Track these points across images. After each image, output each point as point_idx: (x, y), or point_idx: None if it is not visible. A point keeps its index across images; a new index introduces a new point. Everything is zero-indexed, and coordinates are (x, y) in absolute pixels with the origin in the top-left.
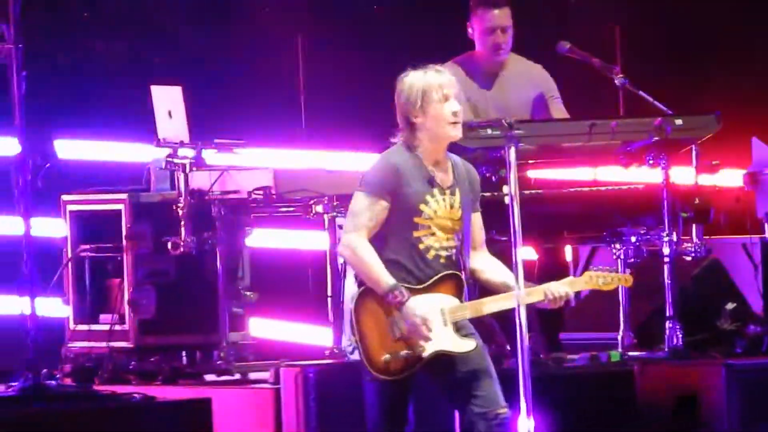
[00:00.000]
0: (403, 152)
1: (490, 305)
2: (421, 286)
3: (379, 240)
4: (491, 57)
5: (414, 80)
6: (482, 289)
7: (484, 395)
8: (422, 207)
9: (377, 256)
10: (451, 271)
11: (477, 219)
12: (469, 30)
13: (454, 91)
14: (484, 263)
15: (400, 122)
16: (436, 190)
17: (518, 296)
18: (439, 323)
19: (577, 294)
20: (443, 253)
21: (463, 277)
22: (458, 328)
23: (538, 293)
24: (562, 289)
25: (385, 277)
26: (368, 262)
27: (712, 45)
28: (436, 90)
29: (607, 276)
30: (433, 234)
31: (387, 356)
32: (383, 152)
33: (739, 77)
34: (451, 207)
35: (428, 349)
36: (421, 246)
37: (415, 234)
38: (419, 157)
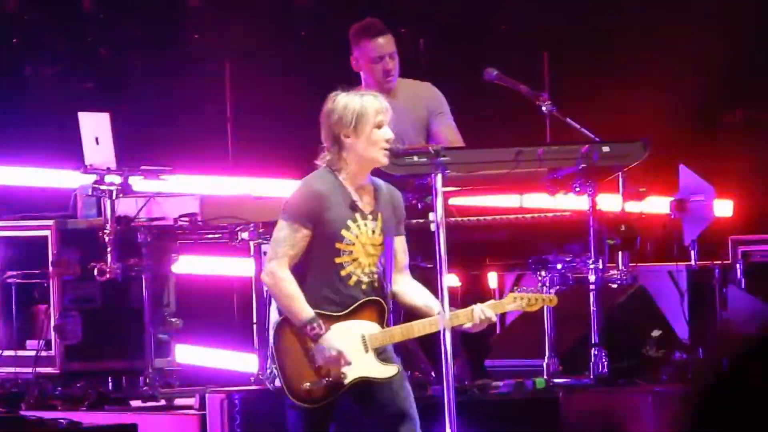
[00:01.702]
0: (326, 176)
1: (417, 328)
2: (342, 313)
3: (301, 266)
4: (382, 85)
5: (350, 101)
6: (406, 312)
7: (400, 427)
8: (344, 233)
9: (297, 287)
10: (372, 297)
11: (401, 242)
12: (353, 63)
13: (388, 119)
14: (406, 287)
15: (327, 141)
16: (358, 215)
17: (444, 321)
18: (360, 350)
19: (503, 320)
20: (365, 279)
21: (384, 303)
22: (380, 354)
23: (465, 315)
24: (487, 311)
25: (303, 310)
26: (288, 293)
27: (638, 70)
28: (372, 114)
29: (531, 297)
30: (355, 260)
31: (308, 384)
32: (305, 177)
33: (666, 104)
34: (373, 232)
35: (349, 376)
36: (343, 272)
37: (337, 260)
38: (342, 181)
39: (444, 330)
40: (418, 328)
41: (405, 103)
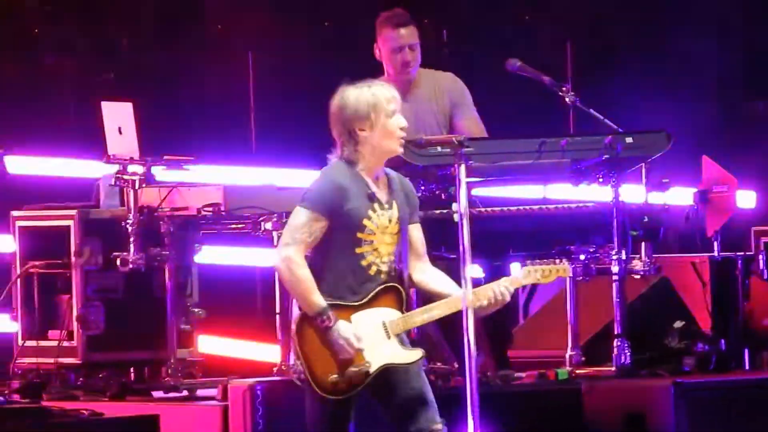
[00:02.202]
0: (344, 169)
1: (437, 310)
2: (361, 302)
3: (321, 257)
4: (400, 75)
5: (360, 93)
6: (426, 300)
7: (420, 415)
8: (365, 222)
9: (311, 276)
10: (390, 284)
11: (417, 231)
12: (377, 52)
13: (399, 107)
14: (427, 275)
15: (341, 136)
16: (376, 205)
17: (467, 301)
18: (382, 337)
19: (526, 311)
20: (384, 268)
21: (402, 288)
22: (402, 340)
23: (483, 293)
24: (503, 286)
25: (316, 300)
26: (302, 281)
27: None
28: (384, 104)
29: (546, 269)
30: (375, 249)
31: (334, 377)
32: (323, 169)
33: (689, 96)
34: (390, 221)
35: (374, 364)
36: (364, 262)
37: (358, 250)
38: (360, 172)
39: (466, 311)
40: (438, 311)
41: (427, 94)
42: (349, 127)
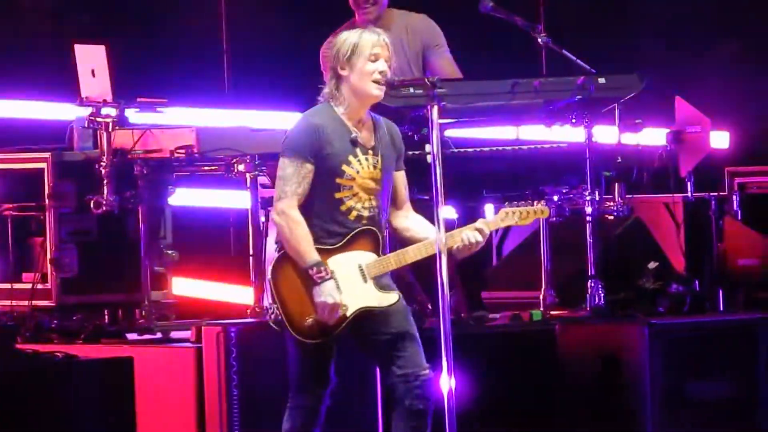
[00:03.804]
0: (326, 111)
1: (412, 253)
2: (337, 245)
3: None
4: (362, 14)
5: (349, 35)
6: (406, 245)
7: (405, 356)
8: (344, 168)
9: (307, 229)
10: (365, 227)
11: (401, 177)
12: None
13: (386, 54)
14: (409, 221)
15: (328, 75)
16: (358, 150)
17: (440, 244)
18: (358, 280)
19: (499, 252)
20: (365, 213)
21: (378, 232)
22: (379, 283)
23: (458, 235)
24: (479, 229)
25: (311, 254)
26: (298, 235)
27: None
28: (368, 47)
29: (523, 211)
30: (355, 194)
31: (310, 319)
32: (305, 112)
33: (663, 34)
34: (374, 167)
35: (351, 307)
36: (343, 207)
37: (337, 195)
38: (342, 116)
39: (440, 255)
40: (413, 253)
41: (398, 35)
42: (333, 66)
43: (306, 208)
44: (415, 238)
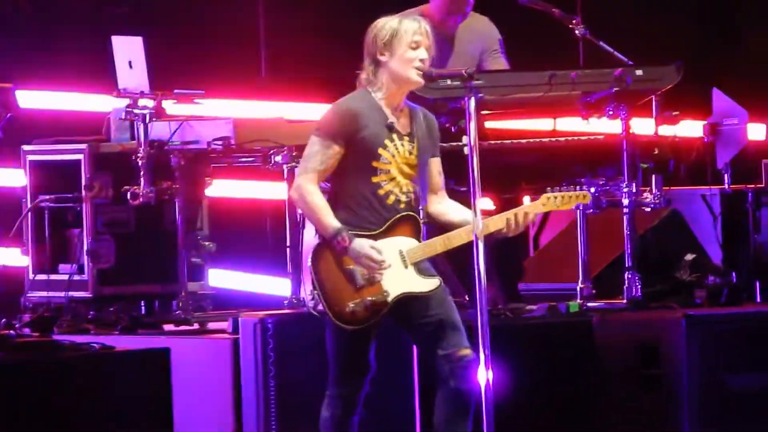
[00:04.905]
0: (362, 96)
1: (455, 239)
2: (378, 231)
3: (339, 185)
4: (452, 20)
5: (389, 21)
6: (443, 231)
7: (448, 338)
8: (381, 151)
9: (323, 199)
10: (406, 213)
11: (436, 164)
12: None
13: (427, 42)
14: (444, 207)
15: (366, 60)
16: (395, 135)
17: (477, 231)
18: (399, 265)
19: (536, 243)
20: (403, 198)
21: (418, 217)
22: (420, 269)
23: (500, 221)
24: (521, 214)
25: (330, 222)
26: (314, 205)
27: None
28: (409, 34)
29: (565, 195)
30: (392, 179)
31: (352, 305)
32: (342, 97)
33: (700, 27)
34: (410, 153)
35: (392, 293)
36: (381, 191)
37: (374, 179)
38: (379, 102)
39: (477, 244)
40: (455, 239)
41: (460, 35)
42: (371, 51)
43: (344, 193)
44: (453, 222)
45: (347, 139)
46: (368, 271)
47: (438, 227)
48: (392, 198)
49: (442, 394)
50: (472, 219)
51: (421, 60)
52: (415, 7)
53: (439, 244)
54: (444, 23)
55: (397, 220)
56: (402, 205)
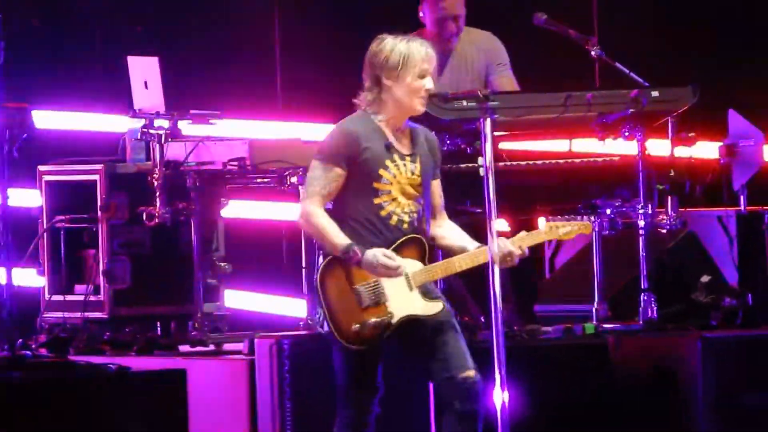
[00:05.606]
0: (362, 118)
1: (458, 263)
2: None
3: (341, 207)
4: (442, 44)
5: (397, 45)
6: (444, 255)
7: (452, 360)
8: (381, 172)
9: (329, 219)
10: (412, 235)
11: (436, 186)
12: (420, 14)
13: (432, 69)
14: (443, 229)
15: (368, 81)
16: (396, 156)
17: (493, 255)
18: (404, 288)
19: (552, 265)
20: (406, 218)
21: (425, 240)
22: (425, 292)
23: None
24: (519, 243)
25: (338, 239)
26: (321, 226)
27: (689, 17)
28: (418, 62)
29: (566, 225)
30: (394, 199)
31: (357, 326)
32: (341, 120)
33: (715, 48)
34: (412, 173)
35: (397, 314)
36: (383, 212)
37: (376, 200)
38: (379, 123)
39: (493, 265)
40: (459, 263)
41: (463, 52)
42: (377, 74)
43: (347, 215)
44: (452, 246)
45: (349, 161)
46: (384, 274)
47: (440, 250)
48: (395, 219)
49: (448, 417)
50: (489, 241)
51: (427, 90)
52: (416, 32)
53: (439, 269)
54: (441, 41)
55: (403, 242)
56: (405, 226)
